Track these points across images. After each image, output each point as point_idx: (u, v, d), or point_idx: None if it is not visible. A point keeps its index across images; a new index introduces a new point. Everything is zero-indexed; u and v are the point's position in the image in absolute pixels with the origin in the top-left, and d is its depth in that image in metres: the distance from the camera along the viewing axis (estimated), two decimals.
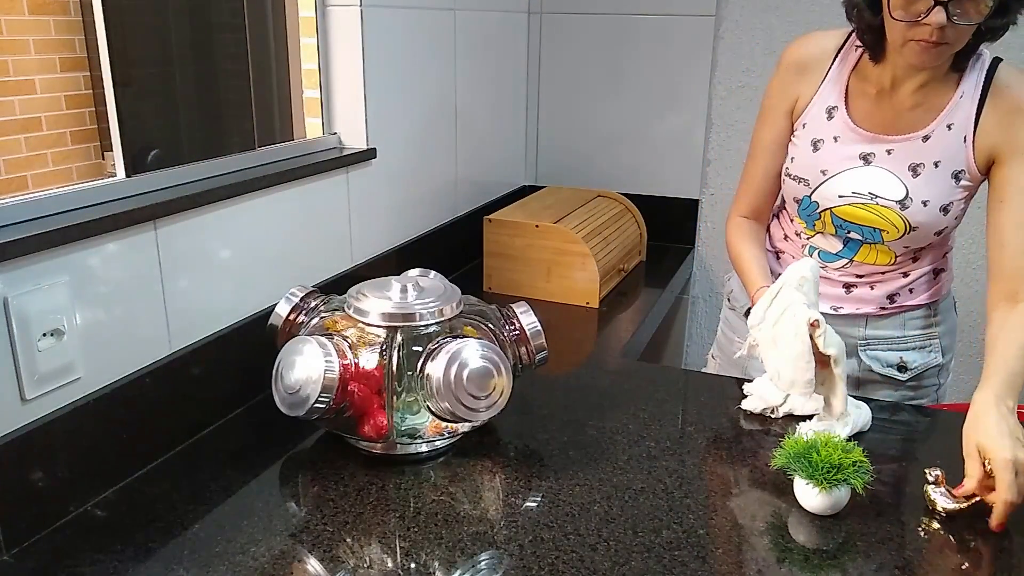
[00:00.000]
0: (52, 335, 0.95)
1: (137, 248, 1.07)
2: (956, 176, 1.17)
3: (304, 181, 1.39)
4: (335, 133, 1.57)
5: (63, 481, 0.97)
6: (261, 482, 1.07)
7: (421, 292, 1.12)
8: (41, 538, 0.94)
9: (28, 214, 0.97)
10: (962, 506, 0.98)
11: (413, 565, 0.90)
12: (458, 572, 0.89)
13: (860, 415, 1.17)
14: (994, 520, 0.95)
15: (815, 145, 1.24)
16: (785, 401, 1.22)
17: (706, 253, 2.33)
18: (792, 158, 1.28)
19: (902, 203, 1.18)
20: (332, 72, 1.54)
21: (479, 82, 2.01)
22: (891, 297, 1.29)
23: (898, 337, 1.30)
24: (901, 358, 1.30)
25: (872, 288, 1.29)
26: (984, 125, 1.14)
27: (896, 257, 1.26)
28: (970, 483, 0.97)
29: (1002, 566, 0.92)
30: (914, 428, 1.23)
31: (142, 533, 0.95)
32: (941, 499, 0.99)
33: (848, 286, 1.30)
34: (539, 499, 1.03)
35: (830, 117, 1.23)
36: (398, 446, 1.10)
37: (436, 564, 0.90)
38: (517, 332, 1.16)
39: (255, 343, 1.20)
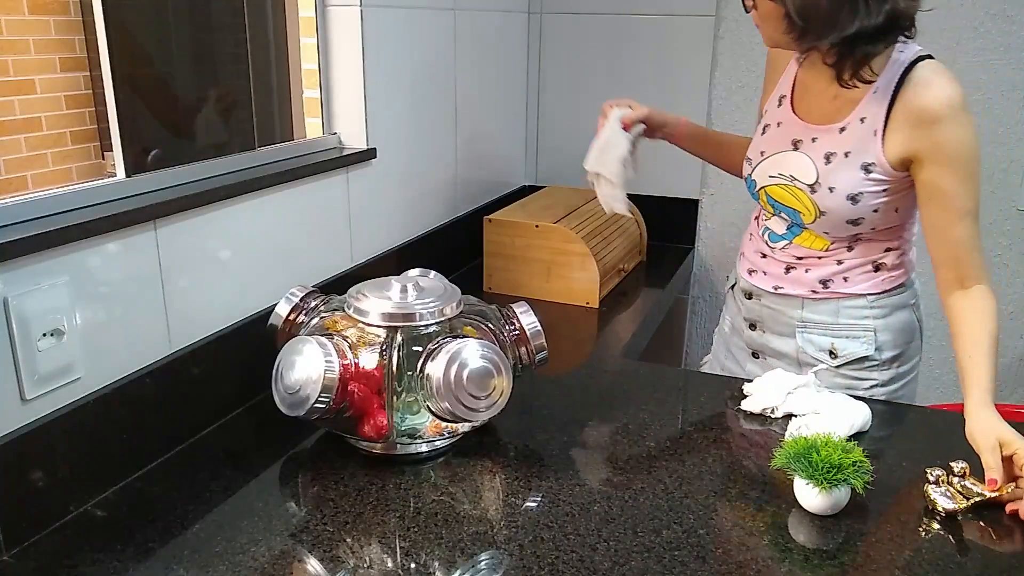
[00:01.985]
0: (52, 335, 0.95)
1: (137, 248, 1.07)
2: (866, 168, 1.22)
3: (304, 181, 1.39)
4: (335, 133, 1.57)
5: (63, 481, 0.97)
6: (261, 482, 1.07)
7: (421, 292, 1.12)
8: (41, 538, 0.94)
9: (28, 214, 0.97)
10: (962, 506, 0.98)
11: (413, 565, 0.90)
12: (458, 572, 0.89)
13: (860, 415, 1.18)
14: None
15: (764, 129, 1.36)
16: (785, 401, 1.23)
17: (706, 253, 2.33)
18: (751, 140, 1.40)
19: (812, 187, 1.26)
20: (332, 72, 1.54)
21: (479, 82, 2.01)
22: (824, 282, 1.33)
23: (831, 323, 1.34)
24: (832, 344, 1.35)
25: (808, 271, 1.34)
26: (893, 123, 1.19)
27: (830, 245, 1.31)
28: (996, 474, 1.00)
29: (1002, 566, 0.92)
30: (914, 428, 1.23)
31: (142, 533, 0.95)
32: (941, 499, 0.99)
33: (788, 267, 1.36)
34: (539, 499, 1.03)
35: (779, 104, 1.34)
36: (398, 446, 1.10)
37: (436, 564, 0.90)
38: (517, 332, 1.16)
39: (255, 343, 1.20)
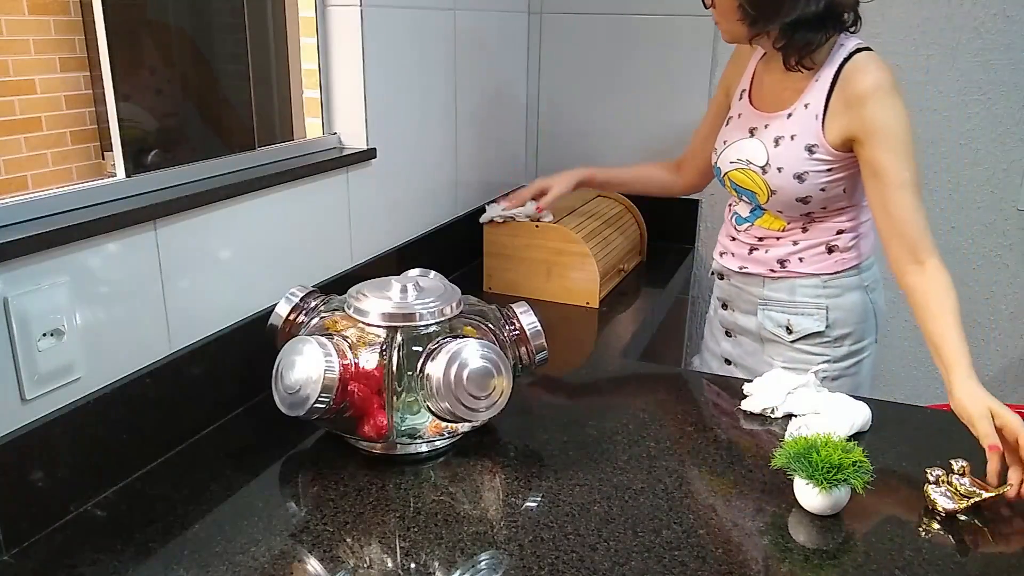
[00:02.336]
0: (52, 335, 0.95)
1: (137, 248, 1.07)
2: (809, 149, 1.34)
3: (304, 181, 1.39)
4: (335, 133, 1.57)
5: (63, 481, 0.97)
6: (261, 482, 1.07)
7: (421, 292, 1.12)
8: (41, 538, 0.94)
9: (28, 214, 0.97)
10: (962, 506, 0.98)
11: (413, 565, 0.90)
12: (458, 572, 0.89)
13: (860, 415, 1.18)
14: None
15: (728, 121, 1.50)
16: (785, 401, 1.23)
17: (706, 253, 2.33)
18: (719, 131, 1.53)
19: (763, 168, 1.39)
20: (332, 72, 1.54)
21: (479, 82, 2.01)
22: (782, 262, 1.45)
23: (788, 301, 1.47)
24: (789, 320, 1.47)
25: (767, 252, 1.47)
26: (832, 108, 1.32)
27: (787, 225, 1.44)
28: (994, 439, 1.02)
29: (1002, 566, 0.92)
30: (914, 428, 1.23)
31: (142, 533, 0.95)
32: (941, 499, 0.99)
33: (752, 248, 1.49)
34: (539, 499, 1.03)
35: (740, 98, 1.48)
36: (398, 446, 1.10)
37: (436, 564, 0.90)
38: (517, 332, 1.16)
39: (255, 343, 1.20)
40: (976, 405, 1.07)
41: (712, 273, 1.63)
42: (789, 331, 1.47)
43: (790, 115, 1.36)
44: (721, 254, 1.56)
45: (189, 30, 1.96)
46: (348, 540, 0.94)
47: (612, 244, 1.88)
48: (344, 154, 1.50)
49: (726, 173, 1.46)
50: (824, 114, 1.32)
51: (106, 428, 1.03)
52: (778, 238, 1.45)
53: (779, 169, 1.36)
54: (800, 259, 1.43)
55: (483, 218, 1.82)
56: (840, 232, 1.42)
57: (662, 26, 2.15)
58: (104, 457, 1.03)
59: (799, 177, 1.35)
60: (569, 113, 2.32)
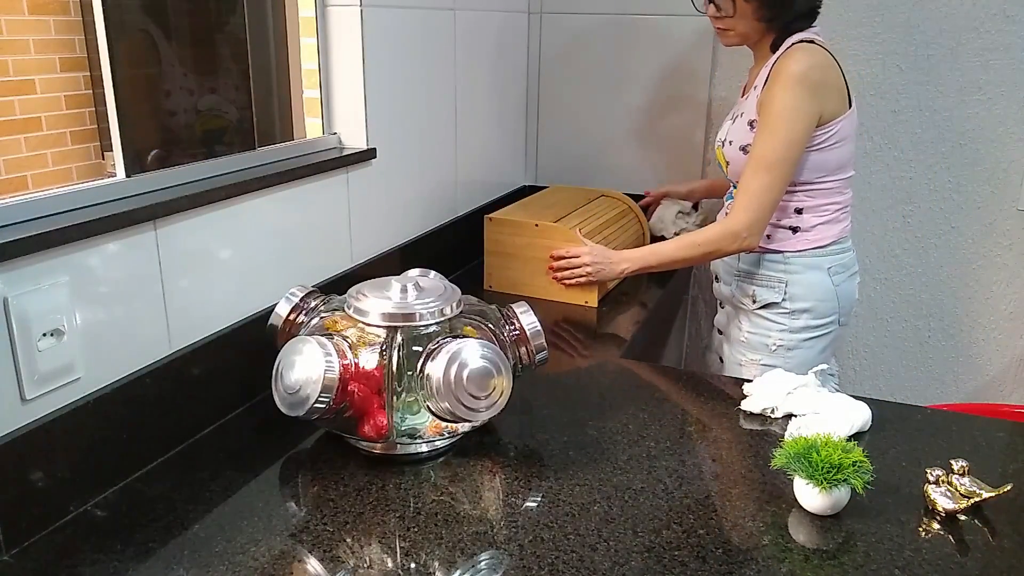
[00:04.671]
0: (52, 335, 0.95)
1: (137, 248, 1.07)
2: (751, 124, 1.54)
3: (304, 181, 1.39)
4: (335, 133, 1.57)
5: (63, 481, 0.97)
6: (261, 482, 1.07)
7: (421, 292, 1.12)
8: (41, 538, 0.94)
9: (28, 214, 0.97)
10: (962, 506, 0.98)
11: (413, 565, 0.90)
12: (458, 572, 0.89)
13: (860, 415, 1.18)
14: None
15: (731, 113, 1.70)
16: (785, 401, 1.23)
17: None
18: None
19: (723, 143, 1.62)
20: (332, 72, 1.54)
21: (479, 82, 2.01)
22: None
23: (758, 273, 1.63)
24: (753, 291, 1.63)
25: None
26: (765, 87, 1.50)
27: None
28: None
29: (1002, 566, 0.92)
30: (914, 428, 1.23)
31: (142, 533, 0.95)
32: (940, 499, 0.99)
33: None
34: (539, 499, 1.03)
35: (740, 94, 1.70)
36: (398, 446, 1.10)
37: (436, 564, 0.90)
38: (517, 332, 1.16)
39: (255, 343, 1.20)
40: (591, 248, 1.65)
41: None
42: (753, 300, 1.63)
43: (747, 98, 1.58)
44: None
45: (189, 30, 1.96)
46: (348, 540, 0.94)
47: (613, 243, 1.88)
48: (344, 154, 1.50)
49: (716, 153, 1.68)
50: (760, 93, 1.50)
51: (106, 428, 1.03)
52: None
53: (730, 143, 1.58)
54: (768, 236, 1.59)
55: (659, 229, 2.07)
56: (799, 212, 1.57)
57: (662, 26, 2.15)
58: (104, 457, 1.03)
59: (743, 149, 1.54)
60: (569, 113, 2.32)
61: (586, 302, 1.74)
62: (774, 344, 1.61)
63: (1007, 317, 2.11)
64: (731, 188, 1.67)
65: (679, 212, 2.08)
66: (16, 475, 0.91)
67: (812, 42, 1.47)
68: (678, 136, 2.22)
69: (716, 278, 1.77)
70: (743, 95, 1.64)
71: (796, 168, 1.50)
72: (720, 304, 1.79)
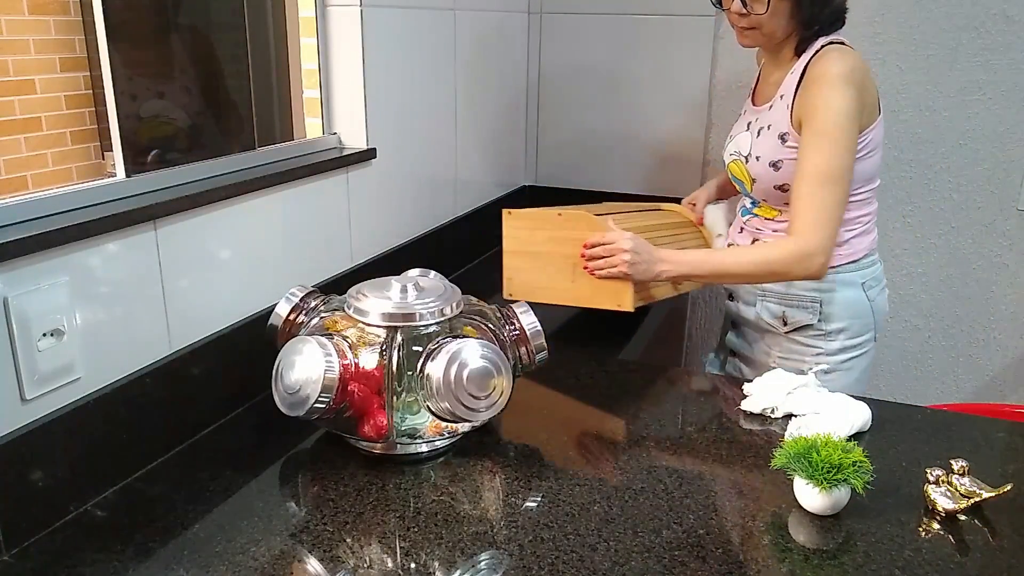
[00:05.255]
0: (52, 335, 0.95)
1: (137, 248, 1.07)
2: (782, 137, 1.40)
3: (304, 181, 1.39)
4: (335, 133, 1.57)
5: (63, 481, 0.97)
6: (261, 482, 1.07)
7: (421, 292, 1.12)
8: (41, 538, 0.94)
9: (28, 214, 0.97)
10: (962, 506, 0.98)
11: (413, 565, 0.90)
12: (458, 572, 0.89)
13: (860, 415, 1.18)
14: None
15: (738, 117, 1.56)
16: (785, 401, 1.23)
17: None
18: None
19: (746, 158, 1.46)
20: (332, 72, 1.54)
21: (479, 82, 2.01)
22: None
23: (784, 293, 1.48)
24: (784, 312, 1.49)
25: (765, 243, 1.48)
26: (799, 96, 1.36)
27: (778, 215, 1.47)
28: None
29: (1002, 566, 0.92)
30: (914, 428, 1.23)
31: (142, 533, 0.95)
32: (940, 499, 0.99)
33: (753, 239, 1.52)
34: (539, 499, 1.03)
35: (748, 96, 1.56)
36: (398, 446, 1.10)
37: (436, 564, 0.90)
38: (517, 332, 1.16)
39: (255, 343, 1.20)
40: (623, 234, 1.38)
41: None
42: (784, 322, 1.49)
43: (771, 107, 1.43)
44: (729, 246, 1.59)
45: (189, 30, 1.96)
46: (348, 540, 0.94)
47: (661, 244, 1.52)
48: (344, 154, 1.50)
49: (727, 165, 1.53)
50: (792, 103, 1.37)
51: (106, 428, 1.03)
52: (774, 230, 1.47)
53: (757, 158, 1.43)
54: None
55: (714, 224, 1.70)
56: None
57: (662, 26, 2.15)
58: (104, 457, 1.03)
59: (774, 165, 1.40)
60: (569, 113, 2.32)
61: (619, 305, 1.45)
62: (809, 370, 1.39)
63: (1007, 317, 2.11)
64: (745, 202, 1.54)
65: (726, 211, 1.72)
66: (16, 475, 0.91)
67: (843, 43, 1.37)
68: (678, 136, 2.22)
69: (731, 296, 1.60)
70: (754, 102, 1.51)
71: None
72: (734, 324, 1.62)
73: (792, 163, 1.37)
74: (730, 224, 1.63)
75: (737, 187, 1.54)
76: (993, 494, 0.98)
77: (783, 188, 1.41)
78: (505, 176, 2.28)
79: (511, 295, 1.53)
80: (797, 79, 1.37)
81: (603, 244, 1.39)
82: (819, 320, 1.46)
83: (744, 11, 1.36)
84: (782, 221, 1.45)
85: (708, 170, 2.22)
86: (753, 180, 1.45)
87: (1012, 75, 1.95)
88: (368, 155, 1.55)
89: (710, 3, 1.45)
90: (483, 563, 0.91)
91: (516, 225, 1.54)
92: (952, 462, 1.01)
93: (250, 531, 0.95)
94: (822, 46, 1.36)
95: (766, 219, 1.49)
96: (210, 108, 1.94)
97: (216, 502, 1.01)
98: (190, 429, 1.16)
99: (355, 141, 1.56)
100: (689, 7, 2.11)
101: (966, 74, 1.98)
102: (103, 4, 1.19)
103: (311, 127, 1.57)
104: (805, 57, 1.37)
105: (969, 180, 2.05)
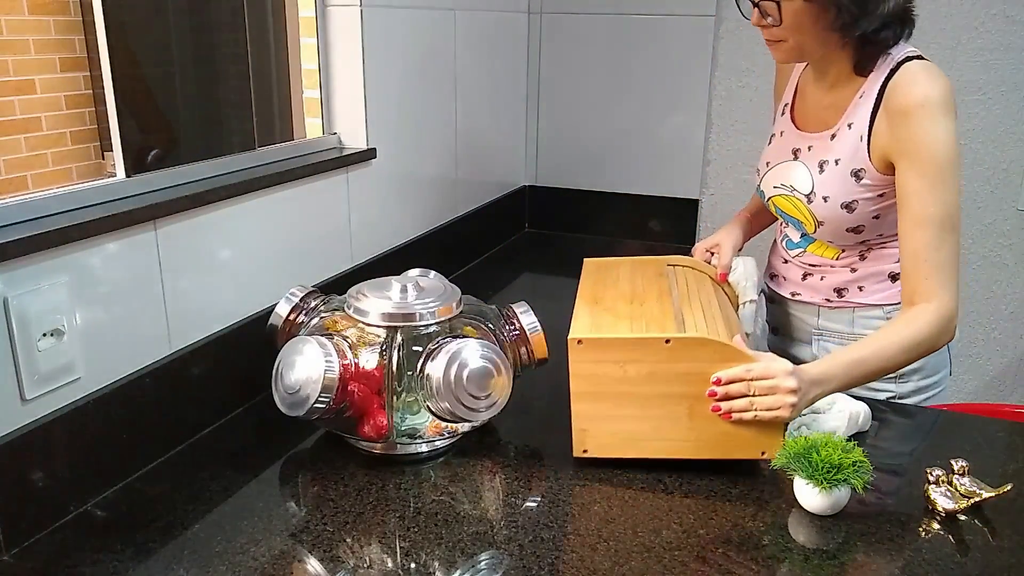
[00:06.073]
0: (52, 335, 0.95)
1: (137, 248, 1.07)
2: (856, 175, 1.20)
3: (304, 181, 1.39)
4: (335, 133, 1.57)
5: (63, 481, 0.97)
6: (261, 482, 1.07)
7: (421, 292, 1.12)
8: (41, 538, 0.94)
9: (28, 214, 0.97)
10: (962, 506, 0.98)
11: (413, 565, 0.90)
12: (458, 572, 0.89)
13: (859, 415, 1.17)
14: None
15: (771, 139, 1.37)
16: None
17: None
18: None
19: (808, 197, 1.25)
20: (332, 72, 1.54)
21: (479, 82, 2.01)
22: (839, 291, 1.32)
23: (847, 333, 1.32)
24: None
25: (823, 279, 1.33)
26: (878, 125, 1.16)
27: (841, 253, 1.29)
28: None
29: (1002, 566, 0.92)
30: (914, 428, 1.23)
31: (142, 533, 0.95)
32: (940, 499, 0.99)
33: (805, 275, 1.35)
34: (539, 499, 1.03)
35: (783, 113, 1.35)
36: (398, 446, 1.10)
37: (436, 564, 0.90)
38: (517, 332, 1.16)
39: (255, 343, 1.20)
40: (778, 360, 1.04)
41: (761, 292, 1.45)
42: None
43: (834, 136, 1.22)
44: (772, 276, 1.43)
45: (189, 30, 1.96)
46: (348, 540, 0.94)
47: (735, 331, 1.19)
48: (344, 154, 1.50)
49: (770, 198, 1.33)
50: (869, 135, 1.17)
51: (106, 428, 1.03)
52: (833, 266, 1.31)
53: (825, 198, 1.22)
54: (860, 288, 1.29)
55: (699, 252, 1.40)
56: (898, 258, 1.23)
57: (662, 26, 2.15)
58: (104, 457, 1.03)
59: (847, 207, 1.21)
60: (569, 113, 2.32)
61: (763, 454, 1.06)
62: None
63: (1007, 317, 2.11)
64: (791, 234, 1.35)
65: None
66: (16, 475, 0.91)
67: (920, 57, 1.17)
68: (678, 136, 2.22)
69: (775, 331, 1.42)
70: (799, 126, 1.29)
71: None
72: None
73: (867, 203, 1.20)
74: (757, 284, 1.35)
75: (786, 223, 1.34)
76: (993, 494, 0.98)
77: (857, 230, 1.23)
78: (505, 176, 2.28)
79: (586, 452, 1.09)
80: (872, 105, 1.16)
81: (753, 380, 1.02)
82: None
83: (763, 22, 1.15)
84: (846, 258, 1.29)
85: (708, 170, 2.22)
86: (820, 223, 1.24)
87: (1012, 75, 1.95)
88: (368, 155, 1.55)
89: (737, 11, 1.21)
90: (483, 563, 0.91)
91: (591, 358, 1.06)
92: (952, 462, 1.01)
93: (250, 531, 0.95)
94: (899, 63, 1.15)
95: (824, 257, 1.31)
96: (210, 108, 1.94)
97: (216, 502, 1.01)
98: (190, 429, 1.16)
99: (355, 141, 1.56)
100: (689, 7, 2.11)
101: (966, 74, 1.98)
102: (103, 4, 1.19)
103: (311, 127, 1.57)
104: (877, 77, 1.16)
105: (969, 180, 2.05)
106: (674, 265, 1.38)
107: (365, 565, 0.90)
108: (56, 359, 0.96)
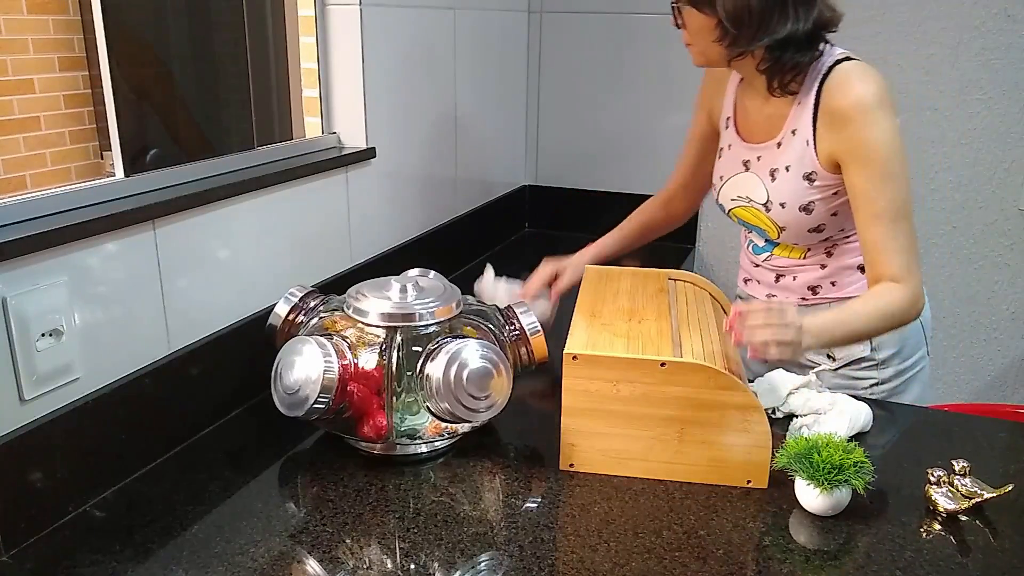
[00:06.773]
0: (51, 335, 0.95)
1: (136, 248, 1.07)
2: (808, 178, 1.23)
3: (303, 181, 1.38)
4: (334, 132, 1.57)
5: (62, 481, 0.97)
6: (260, 483, 1.07)
7: (421, 292, 1.12)
8: (40, 538, 0.94)
9: (27, 214, 0.97)
10: (963, 506, 0.98)
11: (413, 566, 0.90)
12: (458, 573, 0.89)
13: (860, 415, 1.17)
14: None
15: (720, 153, 1.38)
16: (786, 401, 1.22)
17: (706, 253, 2.33)
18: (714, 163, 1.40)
19: (765, 206, 1.28)
20: (331, 71, 1.54)
21: (479, 82, 2.01)
22: (813, 288, 1.34)
23: None
24: (830, 348, 1.33)
25: (795, 279, 1.35)
26: (819, 129, 1.20)
27: (807, 253, 1.32)
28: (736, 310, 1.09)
29: (1002, 566, 0.91)
30: (914, 428, 1.23)
31: (141, 534, 0.95)
32: (941, 499, 0.99)
33: (778, 276, 1.37)
34: (539, 500, 1.03)
35: (727, 127, 1.36)
36: (398, 447, 1.10)
37: (436, 565, 0.90)
38: (517, 332, 1.16)
39: (255, 343, 1.20)
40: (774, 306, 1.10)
41: (737, 298, 1.49)
42: (831, 358, 1.34)
43: (780, 144, 1.25)
44: (746, 280, 1.45)
45: (189, 30, 1.96)
46: (347, 541, 0.94)
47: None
48: (344, 154, 1.50)
49: (730, 210, 1.36)
50: (814, 138, 1.20)
51: (105, 428, 1.02)
52: (802, 265, 1.33)
53: (782, 205, 1.25)
54: (832, 283, 1.32)
55: (483, 292, 1.44)
56: None
57: (662, 26, 2.14)
58: (103, 457, 1.02)
59: (805, 209, 1.24)
60: (569, 113, 2.31)
61: (749, 482, 1.06)
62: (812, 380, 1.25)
63: (1008, 317, 2.11)
64: (755, 240, 1.37)
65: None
66: (15, 475, 0.91)
67: (850, 59, 1.19)
68: (678, 136, 2.21)
69: None
70: (744, 138, 1.32)
71: None
72: (765, 361, 1.29)
73: (823, 203, 1.23)
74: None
75: (749, 232, 1.38)
76: (994, 494, 0.98)
77: (819, 229, 1.26)
78: (505, 176, 2.28)
79: (572, 467, 1.09)
80: (811, 110, 1.20)
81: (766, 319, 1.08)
82: (872, 350, 1.32)
83: (676, 24, 1.20)
84: (812, 256, 1.32)
85: None
86: (782, 228, 1.28)
87: (1013, 74, 1.95)
88: (367, 154, 1.55)
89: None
90: (483, 564, 0.90)
91: (584, 375, 1.06)
92: (953, 462, 1.01)
93: (249, 532, 0.95)
94: (830, 67, 1.18)
95: (791, 258, 1.34)
96: (209, 107, 1.94)
97: (215, 502, 1.01)
98: (189, 429, 1.16)
99: (354, 140, 1.56)
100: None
101: (967, 73, 1.98)
102: (102, 4, 1.19)
103: (310, 126, 1.57)
104: (810, 84, 1.19)
105: (970, 180, 2.05)
106: (675, 280, 1.39)
107: (364, 566, 0.90)
108: (55, 359, 0.96)
